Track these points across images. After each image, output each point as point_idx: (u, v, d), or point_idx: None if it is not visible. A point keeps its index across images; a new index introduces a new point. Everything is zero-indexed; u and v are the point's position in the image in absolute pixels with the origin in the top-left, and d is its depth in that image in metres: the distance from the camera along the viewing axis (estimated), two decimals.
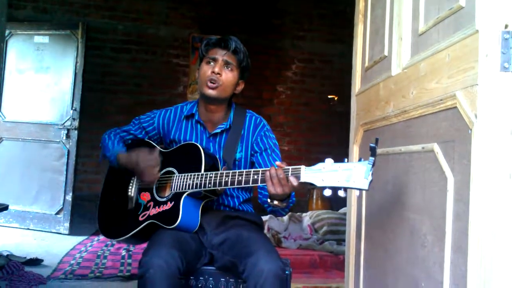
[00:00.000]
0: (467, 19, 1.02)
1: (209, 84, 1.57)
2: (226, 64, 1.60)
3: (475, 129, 0.95)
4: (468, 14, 1.01)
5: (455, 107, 1.03)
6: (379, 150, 1.44)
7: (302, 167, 1.27)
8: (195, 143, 1.54)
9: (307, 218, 4.14)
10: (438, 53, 1.13)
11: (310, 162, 1.30)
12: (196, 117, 1.65)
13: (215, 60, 1.59)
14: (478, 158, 0.95)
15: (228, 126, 1.64)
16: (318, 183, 1.22)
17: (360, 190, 1.19)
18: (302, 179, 1.26)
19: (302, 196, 4.51)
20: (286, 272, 1.39)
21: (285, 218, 3.99)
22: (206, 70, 1.60)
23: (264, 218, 3.68)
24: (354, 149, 1.81)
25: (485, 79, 0.94)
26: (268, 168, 1.33)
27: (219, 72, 1.58)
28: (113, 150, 1.64)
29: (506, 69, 0.93)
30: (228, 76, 1.60)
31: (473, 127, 0.96)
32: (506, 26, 0.93)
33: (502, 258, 0.90)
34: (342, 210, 4.19)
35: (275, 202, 1.37)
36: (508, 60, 0.92)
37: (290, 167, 1.29)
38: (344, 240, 2.24)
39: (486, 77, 0.94)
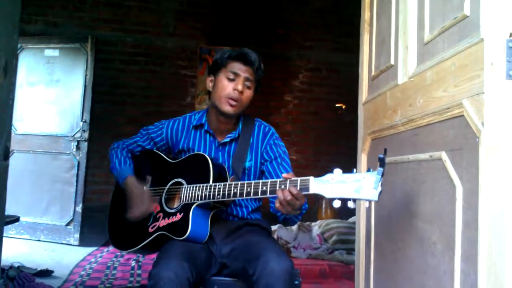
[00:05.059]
0: (472, 28, 1.02)
1: (230, 101, 1.57)
2: (247, 80, 1.59)
3: (482, 137, 0.95)
4: (473, 23, 1.02)
5: (462, 115, 1.03)
6: (387, 159, 1.44)
7: (311, 178, 1.26)
8: (203, 153, 1.55)
9: (316, 227, 4.12)
10: (444, 62, 1.14)
11: (318, 171, 1.30)
12: (206, 127, 1.66)
13: (236, 75, 1.58)
14: (486, 166, 0.94)
15: (237, 135, 1.64)
16: (327, 195, 1.22)
17: (370, 201, 1.18)
18: (311, 191, 1.25)
19: (311, 204, 4.50)
20: (296, 276, 1.39)
21: (294, 227, 3.98)
22: (227, 86, 1.58)
23: (273, 227, 3.67)
24: (362, 158, 1.81)
25: (491, 88, 0.95)
26: (276, 180, 1.33)
27: (242, 91, 1.58)
28: (120, 170, 1.65)
29: None
30: (248, 94, 1.61)
31: (480, 135, 0.96)
32: (510, 35, 0.94)
33: None
34: (351, 219, 4.17)
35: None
36: None
37: (298, 178, 1.29)
38: (354, 249, 2.22)
39: (492, 85, 0.95)
